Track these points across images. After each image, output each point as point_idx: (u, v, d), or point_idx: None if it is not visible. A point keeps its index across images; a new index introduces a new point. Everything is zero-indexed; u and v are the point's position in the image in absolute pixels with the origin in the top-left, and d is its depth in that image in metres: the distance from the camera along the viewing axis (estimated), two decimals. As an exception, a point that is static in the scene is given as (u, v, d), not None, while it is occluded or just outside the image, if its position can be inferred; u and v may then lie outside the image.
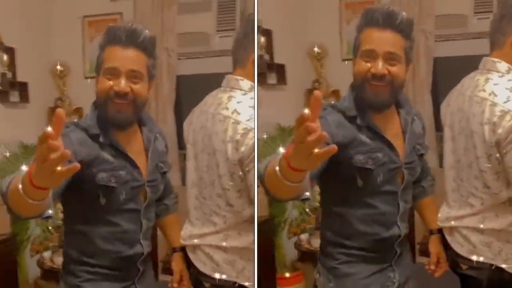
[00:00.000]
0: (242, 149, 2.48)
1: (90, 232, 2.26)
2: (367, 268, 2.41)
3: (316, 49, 4.36)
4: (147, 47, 2.24)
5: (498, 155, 2.43)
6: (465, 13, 4.08)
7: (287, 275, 3.97)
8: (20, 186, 1.71)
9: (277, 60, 4.29)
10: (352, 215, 2.36)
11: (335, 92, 4.18)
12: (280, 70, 4.29)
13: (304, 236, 3.92)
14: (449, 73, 2.86)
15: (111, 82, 2.19)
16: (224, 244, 2.61)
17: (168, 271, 3.05)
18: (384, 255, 2.44)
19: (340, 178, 2.34)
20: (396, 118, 2.45)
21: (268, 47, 4.30)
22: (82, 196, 2.21)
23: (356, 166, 2.29)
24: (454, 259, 2.65)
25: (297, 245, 4.06)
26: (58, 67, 4.29)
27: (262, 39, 4.29)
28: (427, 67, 4.14)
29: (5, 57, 4.03)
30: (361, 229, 2.38)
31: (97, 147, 2.23)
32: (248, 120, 2.50)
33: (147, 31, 2.26)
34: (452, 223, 2.62)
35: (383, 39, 2.23)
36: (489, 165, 2.47)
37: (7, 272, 3.67)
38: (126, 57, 2.18)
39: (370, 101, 2.29)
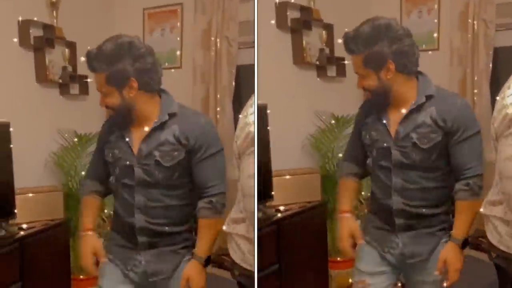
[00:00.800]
0: (239, 142, 2.83)
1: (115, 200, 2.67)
2: (377, 222, 2.68)
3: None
4: (101, 62, 2.44)
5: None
6: (528, 1, 3.98)
7: (339, 259, 4.06)
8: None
9: (337, 53, 4.31)
10: (371, 178, 2.72)
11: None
12: (340, 63, 4.31)
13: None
14: (510, 63, 2.79)
15: None
16: (247, 235, 2.84)
17: (218, 264, 3.23)
18: (388, 220, 2.62)
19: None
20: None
21: (329, 41, 4.33)
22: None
23: (363, 141, 2.67)
24: (487, 247, 2.67)
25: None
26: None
27: (324, 33, 4.32)
28: (487, 57, 4.00)
29: (66, 51, 4.15)
30: (373, 190, 2.70)
31: (110, 131, 2.61)
32: (246, 116, 2.84)
33: (105, 45, 2.44)
34: (486, 210, 2.62)
35: (353, 63, 2.59)
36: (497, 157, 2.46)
37: (60, 257, 3.80)
38: (96, 81, 2.51)
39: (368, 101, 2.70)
